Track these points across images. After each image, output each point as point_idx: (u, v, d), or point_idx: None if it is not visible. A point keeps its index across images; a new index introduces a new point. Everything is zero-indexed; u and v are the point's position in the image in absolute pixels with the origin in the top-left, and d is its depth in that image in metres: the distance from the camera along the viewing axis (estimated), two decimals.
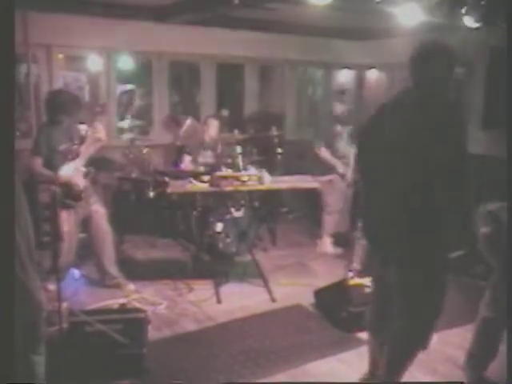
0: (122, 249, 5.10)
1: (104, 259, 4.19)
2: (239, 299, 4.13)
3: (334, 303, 3.79)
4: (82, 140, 4.00)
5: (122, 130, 6.38)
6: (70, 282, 4.15)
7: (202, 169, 5.13)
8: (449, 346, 3.29)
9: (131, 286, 4.23)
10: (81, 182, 3.96)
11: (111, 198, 5.42)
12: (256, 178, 4.24)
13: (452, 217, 2.40)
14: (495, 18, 3.94)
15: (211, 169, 4.85)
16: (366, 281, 3.54)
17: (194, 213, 5.05)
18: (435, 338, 2.75)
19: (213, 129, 5.51)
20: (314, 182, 4.70)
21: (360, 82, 7.58)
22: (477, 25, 4.06)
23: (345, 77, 7.64)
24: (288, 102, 7.33)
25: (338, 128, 5.26)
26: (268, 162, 5.67)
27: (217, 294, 4.18)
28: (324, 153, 5.20)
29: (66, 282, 3.92)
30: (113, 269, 4.24)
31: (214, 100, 6.68)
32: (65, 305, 3.26)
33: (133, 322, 3.07)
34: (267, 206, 5.77)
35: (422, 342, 2.55)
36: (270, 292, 4.21)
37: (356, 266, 4.24)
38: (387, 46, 6.48)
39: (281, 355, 3.30)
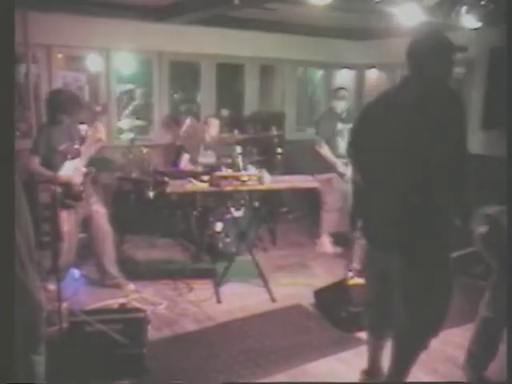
0: (122, 249, 5.10)
1: (104, 259, 4.19)
2: (239, 299, 4.13)
3: (333, 303, 3.80)
4: (83, 140, 4.00)
5: (121, 130, 6.38)
6: (70, 281, 4.15)
7: (200, 169, 5.12)
8: (449, 345, 3.29)
9: (131, 286, 4.24)
10: (79, 181, 3.95)
11: (111, 198, 5.42)
12: (256, 178, 4.23)
13: (452, 216, 2.40)
14: (495, 18, 3.94)
15: (211, 169, 4.85)
16: None
17: (194, 213, 5.05)
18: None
19: (213, 128, 5.52)
20: (314, 182, 4.69)
21: (360, 81, 7.58)
22: (477, 25, 4.06)
23: (345, 77, 7.63)
24: (288, 101, 7.32)
25: (339, 126, 5.27)
26: (268, 162, 5.67)
27: (217, 293, 4.18)
28: (324, 150, 5.21)
29: (65, 282, 3.92)
30: (113, 269, 4.24)
31: (214, 100, 6.68)
32: (65, 305, 3.26)
33: (133, 322, 3.06)
34: (267, 205, 5.77)
35: (422, 342, 2.55)
36: (269, 292, 4.21)
37: (356, 265, 4.23)
38: (387, 45, 6.47)
39: (281, 355, 3.30)
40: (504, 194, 2.50)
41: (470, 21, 4.04)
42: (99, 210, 4.15)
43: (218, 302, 4.09)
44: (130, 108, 7.19)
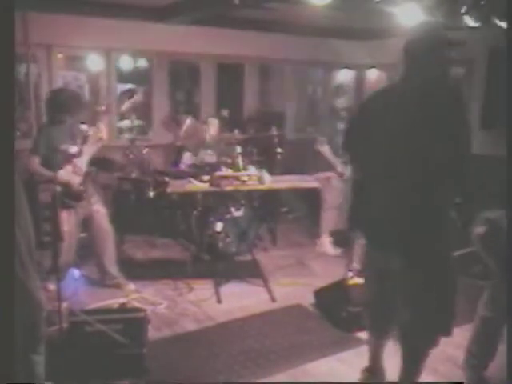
0: (123, 249, 5.10)
1: (105, 259, 4.19)
2: (239, 299, 4.13)
3: (333, 303, 3.80)
4: (84, 139, 4.00)
5: (121, 130, 6.38)
6: (70, 281, 4.15)
7: (201, 163, 5.12)
8: (449, 345, 3.28)
9: (131, 286, 4.24)
10: (80, 181, 3.95)
11: (111, 198, 5.42)
12: (256, 178, 4.24)
13: (452, 215, 2.40)
14: (495, 18, 3.94)
15: (211, 168, 4.85)
16: None
17: (194, 212, 5.05)
18: None
19: (213, 128, 5.53)
20: (314, 182, 4.70)
21: (360, 81, 7.58)
22: (477, 25, 4.06)
23: (345, 76, 7.63)
24: (288, 101, 7.33)
25: (340, 126, 5.26)
26: (268, 162, 5.67)
27: (217, 293, 4.18)
28: (324, 149, 5.21)
29: (65, 281, 3.92)
30: (113, 269, 4.24)
31: (213, 100, 6.69)
32: (65, 305, 3.27)
33: (133, 322, 3.07)
34: (267, 205, 5.77)
35: (431, 342, 2.52)
36: (269, 292, 4.21)
37: (356, 265, 4.23)
38: (387, 46, 6.46)
39: (281, 355, 3.30)
40: (503, 193, 2.50)
41: (469, 21, 4.04)
42: (100, 210, 4.15)
43: (218, 301, 4.09)
44: (131, 108, 7.17)
